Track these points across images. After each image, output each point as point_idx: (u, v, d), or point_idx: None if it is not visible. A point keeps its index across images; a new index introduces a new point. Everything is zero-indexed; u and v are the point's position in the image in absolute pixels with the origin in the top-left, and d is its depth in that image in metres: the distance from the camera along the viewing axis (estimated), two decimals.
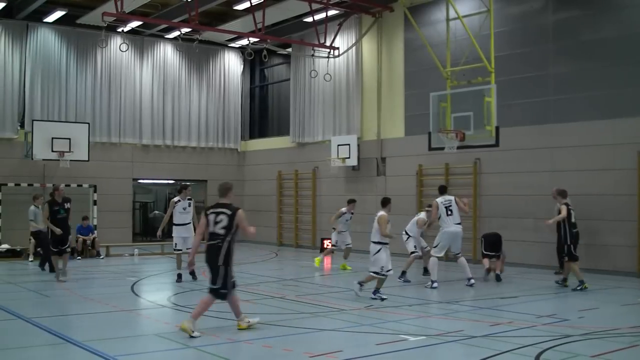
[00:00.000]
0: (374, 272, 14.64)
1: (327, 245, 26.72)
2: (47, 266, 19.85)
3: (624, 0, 19.61)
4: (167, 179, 32.19)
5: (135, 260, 24.13)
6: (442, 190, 17.56)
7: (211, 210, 11.36)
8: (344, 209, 20.89)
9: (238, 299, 11.56)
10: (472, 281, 16.76)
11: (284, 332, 11.21)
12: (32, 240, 22.55)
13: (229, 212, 11.17)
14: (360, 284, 14.96)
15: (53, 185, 20.53)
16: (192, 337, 10.55)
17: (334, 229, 21.27)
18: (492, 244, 18.58)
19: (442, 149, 19.89)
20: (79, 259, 23.81)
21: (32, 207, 21.13)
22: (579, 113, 19.97)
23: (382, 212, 14.80)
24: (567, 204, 16.25)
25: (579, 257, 16.40)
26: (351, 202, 21.13)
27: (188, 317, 11.12)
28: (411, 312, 13.38)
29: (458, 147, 19.67)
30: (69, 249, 18.37)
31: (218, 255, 11.01)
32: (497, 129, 18.77)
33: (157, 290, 17.39)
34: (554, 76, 20.71)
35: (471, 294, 15.79)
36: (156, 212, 34.52)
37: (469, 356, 9.83)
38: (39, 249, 21.53)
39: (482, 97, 18.81)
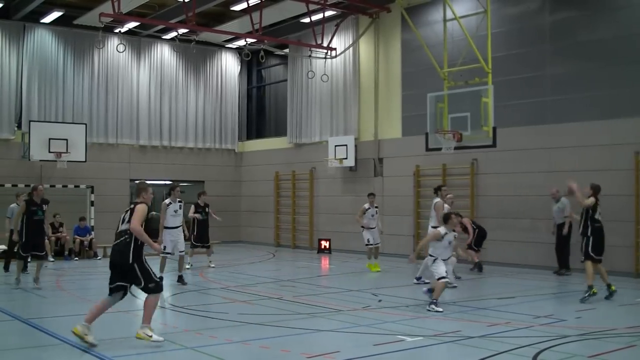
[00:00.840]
0: (441, 278, 13.86)
1: (325, 246, 26.85)
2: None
3: (620, 0, 19.63)
4: (165, 180, 32.11)
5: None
6: (434, 191, 18.12)
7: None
8: (366, 205, 20.49)
9: (154, 305, 10.79)
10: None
11: (281, 332, 11.21)
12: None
13: (132, 206, 10.78)
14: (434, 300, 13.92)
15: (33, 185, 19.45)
16: (152, 341, 10.30)
17: (362, 227, 20.59)
18: (482, 238, 20.05)
19: (440, 149, 19.91)
20: (76, 259, 23.84)
21: (13, 205, 20.41)
22: (576, 113, 19.98)
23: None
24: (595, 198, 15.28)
25: (593, 257, 14.87)
26: (370, 195, 20.79)
27: (140, 325, 10.58)
28: (408, 312, 13.38)
29: (455, 148, 19.68)
30: (44, 254, 17.52)
31: (128, 253, 10.38)
32: (494, 129, 18.80)
33: None
34: (551, 77, 20.72)
35: (468, 295, 15.78)
36: (153, 212, 34.34)
37: (467, 357, 9.83)
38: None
39: (479, 97, 18.83)
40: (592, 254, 14.82)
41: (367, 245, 20.65)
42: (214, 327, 11.76)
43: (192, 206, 21.29)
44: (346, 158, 26.33)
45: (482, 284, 17.27)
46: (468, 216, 21.51)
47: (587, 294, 14.49)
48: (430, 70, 21.80)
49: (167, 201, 18.03)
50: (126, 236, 10.49)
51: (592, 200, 14.98)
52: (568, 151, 20.12)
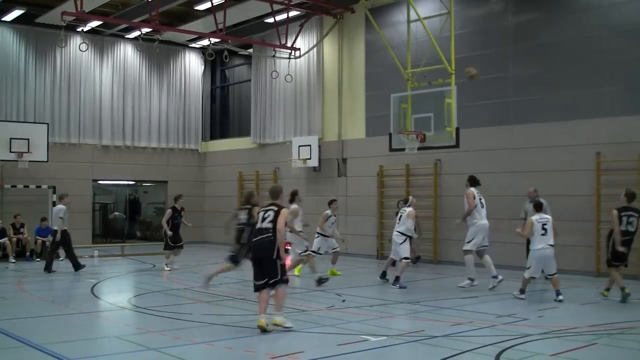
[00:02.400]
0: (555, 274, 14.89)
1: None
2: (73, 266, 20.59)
3: (581, 3, 19.84)
4: (127, 180, 31.98)
5: (95, 262, 23.92)
6: (474, 182, 17.19)
7: (262, 209, 12.10)
8: (328, 211, 19.19)
9: (285, 294, 11.91)
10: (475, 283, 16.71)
11: (245, 333, 11.18)
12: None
13: (275, 208, 11.79)
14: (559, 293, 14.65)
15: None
16: (286, 327, 11.38)
17: (321, 234, 19.19)
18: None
19: (403, 150, 19.95)
20: (38, 260, 23.60)
21: (62, 206, 20.72)
22: (538, 114, 20.18)
23: (549, 216, 15.15)
24: (621, 209, 14.83)
25: (613, 264, 14.88)
26: (332, 202, 19.62)
27: (275, 312, 11.59)
28: (372, 312, 13.42)
29: (418, 148, 19.72)
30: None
31: (272, 250, 11.42)
32: (457, 130, 18.87)
33: (117, 292, 17.27)
34: (514, 78, 20.91)
35: (432, 294, 15.86)
36: (116, 213, 34.28)
37: (430, 356, 9.87)
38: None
39: (442, 98, 18.90)
40: (613, 262, 14.84)
41: (315, 252, 19.12)
42: (177, 327, 11.69)
43: (169, 210, 21.31)
44: (310, 158, 26.35)
45: (444, 283, 17.31)
46: (431, 217, 21.66)
47: (622, 297, 14.56)
48: (394, 71, 21.88)
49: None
50: (269, 234, 11.51)
51: (615, 213, 14.79)
52: (530, 151, 20.31)
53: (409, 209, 17.50)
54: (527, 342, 10.51)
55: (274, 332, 11.27)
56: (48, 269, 20.43)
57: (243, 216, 15.82)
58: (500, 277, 16.44)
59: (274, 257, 11.40)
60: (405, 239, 17.14)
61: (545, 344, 10.54)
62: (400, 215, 17.41)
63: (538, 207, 15.22)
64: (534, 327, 11.73)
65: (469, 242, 16.75)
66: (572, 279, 17.97)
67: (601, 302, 14.86)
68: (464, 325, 11.87)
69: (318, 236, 19.44)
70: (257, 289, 11.59)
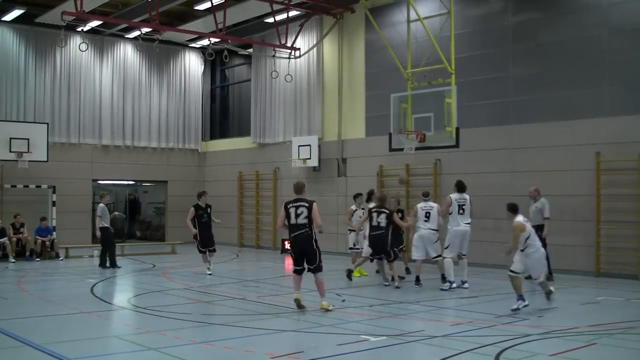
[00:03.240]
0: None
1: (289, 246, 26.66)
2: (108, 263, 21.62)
3: (581, 3, 19.83)
4: (127, 180, 31.97)
5: (95, 261, 23.87)
6: (460, 188, 16.98)
7: (291, 205, 13.39)
8: (353, 207, 19.32)
9: (323, 280, 13.48)
10: (454, 285, 16.46)
11: (245, 333, 11.18)
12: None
13: (307, 204, 13.28)
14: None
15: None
16: (329, 310, 13.00)
17: (350, 230, 19.36)
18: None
19: (403, 149, 19.94)
20: (37, 260, 23.60)
21: (102, 205, 21.68)
22: (538, 114, 20.17)
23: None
24: None
25: None
26: (358, 196, 19.53)
27: (321, 299, 13.24)
28: (372, 312, 13.42)
29: (418, 148, 19.73)
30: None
31: (311, 242, 13.26)
32: (457, 129, 18.88)
33: (117, 292, 17.28)
34: (514, 77, 20.89)
35: (432, 294, 15.84)
36: (116, 213, 34.21)
37: (430, 356, 9.88)
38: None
39: (442, 98, 18.90)
40: None
41: (351, 249, 19.48)
42: (177, 327, 11.69)
43: (192, 208, 19.74)
44: (310, 158, 26.34)
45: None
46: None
47: None
48: (393, 71, 21.89)
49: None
50: (307, 229, 13.24)
51: None
52: (530, 151, 20.30)
53: (436, 204, 17.48)
54: (527, 342, 10.50)
55: (307, 309, 12.54)
56: (113, 264, 21.50)
57: (382, 221, 16.88)
58: (455, 285, 16.50)
59: (315, 247, 13.24)
60: (438, 237, 17.15)
61: (545, 344, 10.53)
62: (428, 212, 17.08)
63: (515, 211, 13.95)
64: (534, 327, 11.74)
65: (445, 249, 16.79)
66: (572, 279, 17.98)
67: (601, 302, 14.87)
68: (464, 325, 11.88)
69: (350, 232, 19.61)
70: (297, 272, 13.44)
